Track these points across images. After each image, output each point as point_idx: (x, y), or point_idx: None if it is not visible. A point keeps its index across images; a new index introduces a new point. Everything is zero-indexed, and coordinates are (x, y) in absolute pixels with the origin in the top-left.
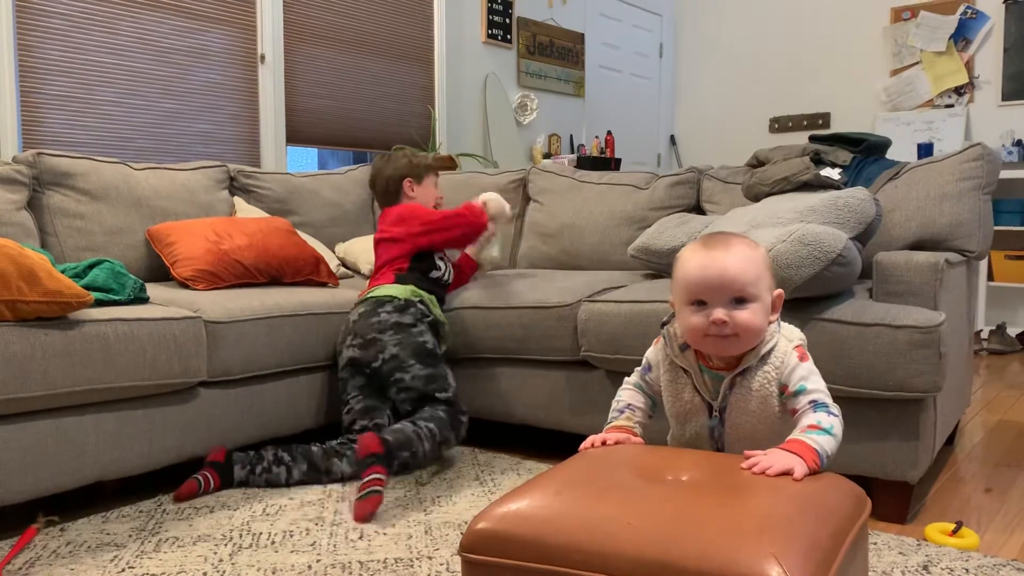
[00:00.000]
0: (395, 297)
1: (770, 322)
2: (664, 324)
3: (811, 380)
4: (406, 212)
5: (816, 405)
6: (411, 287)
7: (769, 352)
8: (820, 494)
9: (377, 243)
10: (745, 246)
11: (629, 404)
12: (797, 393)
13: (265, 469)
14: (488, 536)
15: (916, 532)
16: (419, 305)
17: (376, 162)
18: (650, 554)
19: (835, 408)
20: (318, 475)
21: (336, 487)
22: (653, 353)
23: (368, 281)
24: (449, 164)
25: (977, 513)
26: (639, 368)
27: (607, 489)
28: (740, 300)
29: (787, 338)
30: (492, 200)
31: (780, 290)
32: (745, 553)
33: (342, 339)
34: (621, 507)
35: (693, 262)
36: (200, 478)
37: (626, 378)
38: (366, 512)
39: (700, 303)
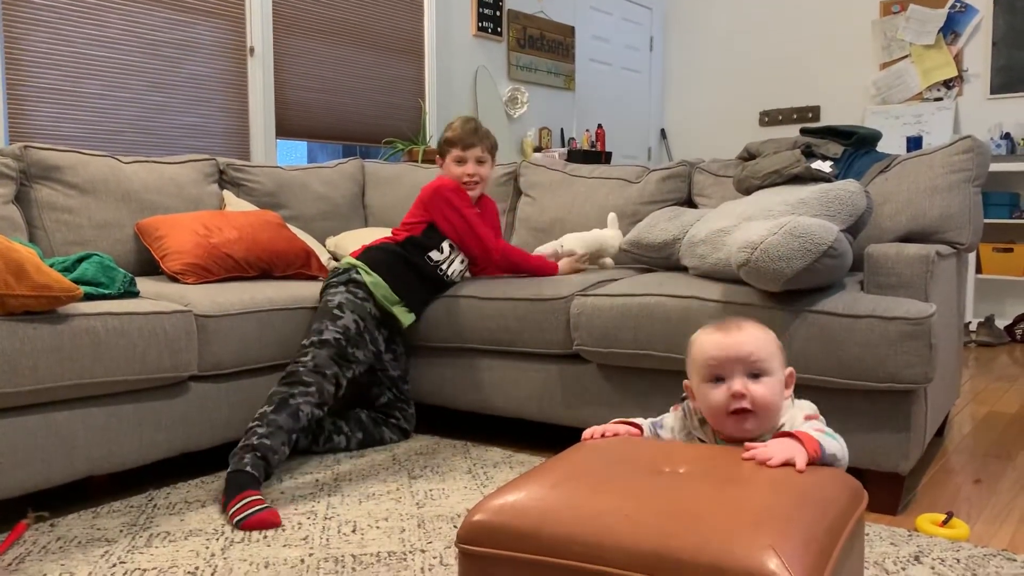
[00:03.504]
0: (335, 269)
1: (784, 398)
2: (683, 399)
3: (815, 424)
4: (438, 193)
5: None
6: (365, 264)
7: (782, 426)
8: (818, 487)
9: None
10: (756, 327)
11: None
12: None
13: (327, 439)
14: (485, 528)
15: (907, 523)
16: (354, 275)
17: None
18: (647, 546)
19: (840, 440)
20: (373, 442)
21: (327, 480)
22: (672, 419)
23: None
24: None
25: (967, 504)
26: (651, 419)
27: (604, 481)
28: (755, 375)
29: (800, 408)
30: (564, 264)
31: (791, 368)
32: (743, 545)
33: None
34: (618, 499)
35: (711, 341)
36: None
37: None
38: (259, 524)
39: (718, 379)
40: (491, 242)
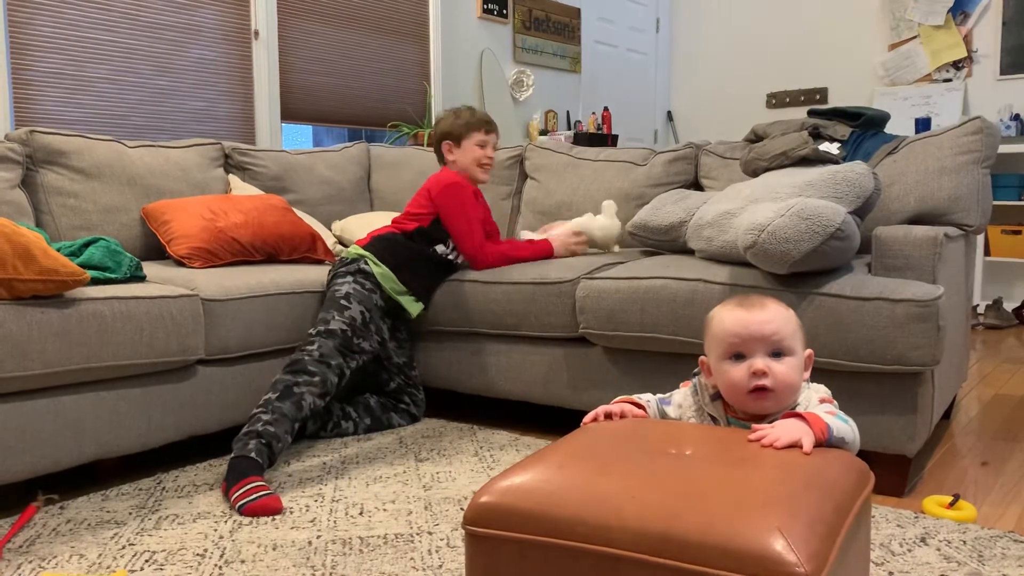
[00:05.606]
0: (343, 259)
1: (802, 379)
2: (695, 375)
3: (827, 407)
4: (455, 196)
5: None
6: (373, 255)
7: (795, 407)
8: (824, 468)
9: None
10: (778, 305)
11: (646, 397)
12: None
13: (335, 424)
14: (492, 509)
15: (914, 505)
16: (362, 265)
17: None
18: (654, 527)
19: (852, 423)
20: (381, 427)
21: (335, 463)
22: (681, 395)
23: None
24: None
25: (974, 486)
26: (658, 395)
27: (611, 463)
28: (777, 354)
29: (815, 391)
30: (557, 242)
31: (810, 350)
32: (749, 527)
33: None
34: (625, 481)
35: (732, 317)
36: None
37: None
38: (262, 510)
39: (739, 357)
40: (487, 247)
